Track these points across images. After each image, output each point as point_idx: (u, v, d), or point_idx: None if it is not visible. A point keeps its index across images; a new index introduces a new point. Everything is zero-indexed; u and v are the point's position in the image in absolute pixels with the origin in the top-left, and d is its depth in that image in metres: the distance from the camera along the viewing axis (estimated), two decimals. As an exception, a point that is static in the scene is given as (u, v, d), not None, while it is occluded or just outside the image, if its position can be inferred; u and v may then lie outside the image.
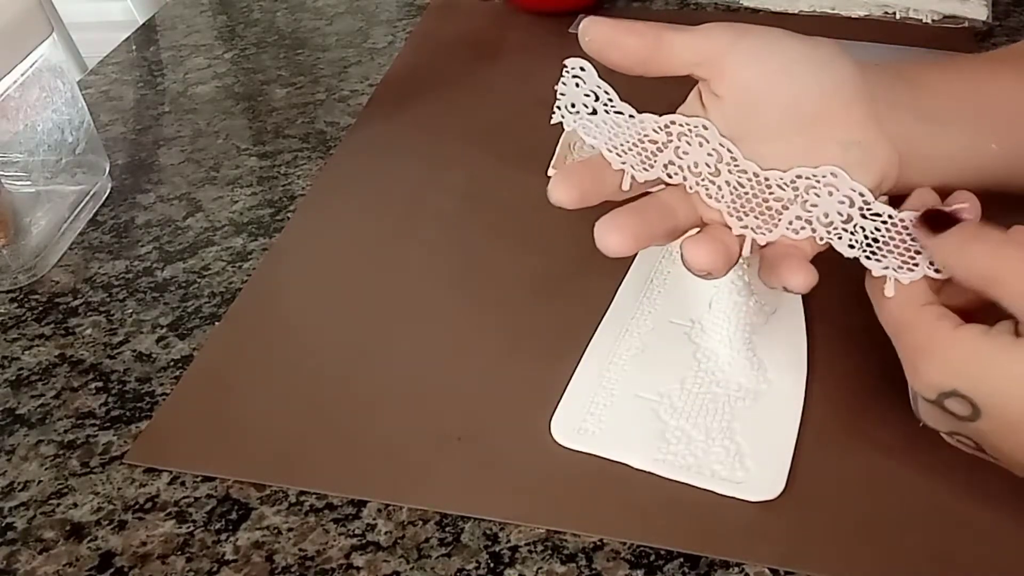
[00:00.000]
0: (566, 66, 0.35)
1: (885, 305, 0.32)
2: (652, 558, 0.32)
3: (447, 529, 0.34)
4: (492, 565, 0.33)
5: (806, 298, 0.42)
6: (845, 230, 0.33)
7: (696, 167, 0.34)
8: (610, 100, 0.34)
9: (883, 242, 0.33)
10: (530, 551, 0.33)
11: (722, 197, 0.34)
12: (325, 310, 0.44)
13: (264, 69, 0.66)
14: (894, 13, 0.66)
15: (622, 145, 0.34)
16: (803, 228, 0.33)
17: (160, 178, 0.55)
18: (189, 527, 0.35)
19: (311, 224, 0.50)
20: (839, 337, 0.40)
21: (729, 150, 0.34)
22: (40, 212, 0.50)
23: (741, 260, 0.36)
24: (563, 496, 0.35)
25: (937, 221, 0.31)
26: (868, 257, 0.33)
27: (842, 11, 0.66)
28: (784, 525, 0.33)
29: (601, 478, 0.35)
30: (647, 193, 0.35)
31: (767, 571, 0.32)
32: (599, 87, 0.34)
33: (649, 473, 0.35)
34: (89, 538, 0.35)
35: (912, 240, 0.32)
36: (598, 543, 0.33)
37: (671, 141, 0.34)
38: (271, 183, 0.54)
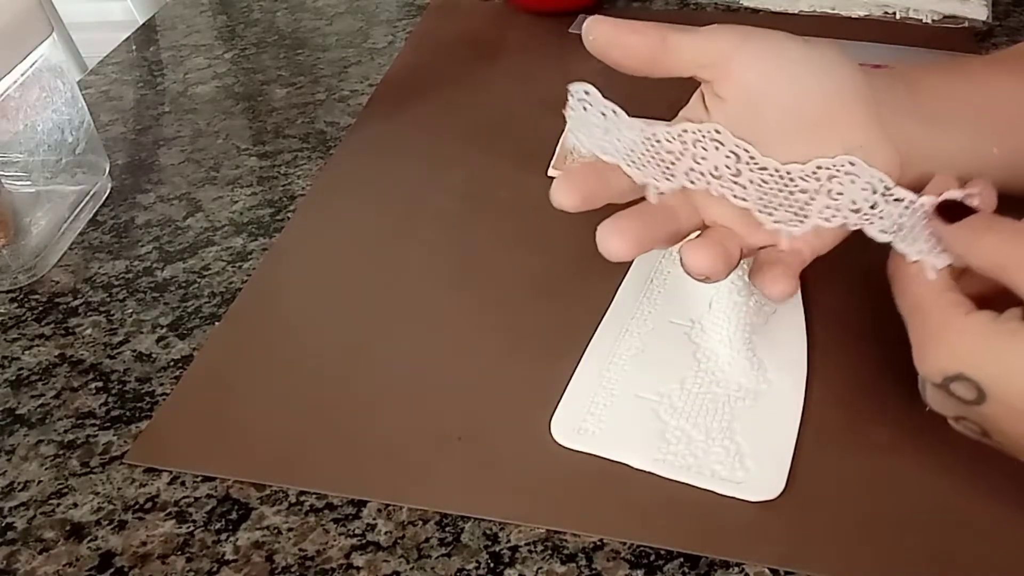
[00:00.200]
0: (570, 91, 0.34)
1: (905, 288, 0.32)
2: (652, 558, 0.32)
3: (447, 529, 0.34)
4: (492, 565, 0.33)
5: (806, 298, 0.42)
6: (875, 215, 0.33)
7: (717, 171, 0.34)
8: (619, 119, 0.34)
9: (910, 227, 0.33)
10: (530, 551, 0.33)
11: (748, 196, 0.33)
12: (325, 310, 0.44)
13: (264, 69, 0.66)
14: (894, 13, 0.66)
15: (640, 159, 0.34)
16: (834, 216, 0.33)
17: (160, 178, 0.55)
18: (189, 527, 0.35)
19: (311, 224, 0.50)
20: (839, 337, 0.40)
21: (746, 150, 0.34)
22: (40, 212, 0.50)
23: (744, 263, 0.36)
24: (563, 496, 0.35)
25: (952, 210, 0.32)
26: (902, 241, 0.33)
27: (842, 11, 0.66)
28: (784, 525, 0.33)
29: (601, 478, 0.35)
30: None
31: (767, 571, 0.32)
32: (606, 107, 0.34)
33: (649, 473, 0.35)
34: (89, 538, 0.35)
35: None
36: (598, 543, 0.33)
37: (687, 149, 0.34)
38: (271, 183, 0.54)
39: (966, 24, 0.64)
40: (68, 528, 0.35)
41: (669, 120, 0.36)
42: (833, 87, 0.34)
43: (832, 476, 0.34)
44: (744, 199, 0.34)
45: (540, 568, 0.32)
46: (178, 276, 0.47)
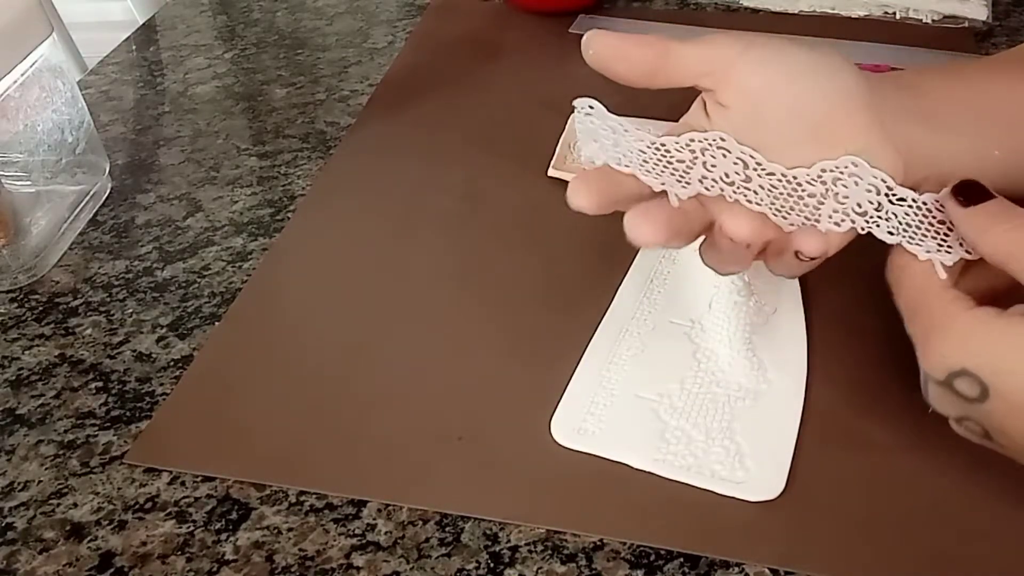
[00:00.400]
0: (576, 107, 0.34)
1: (903, 288, 0.32)
2: (652, 558, 0.32)
3: (447, 529, 0.34)
4: (492, 565, 0.33)
5: (806, 298, 0.42)
6: (881, 217, 0.33)
7: (728, 177, 0.34)
8: (626, 131, 0.34)
9: (915, 226, 0.33)
10: (530, 551, 0.33)
11: (761, 201, 0.34)
12: (325, 310, 0.44)
13: (264, 69, 0.66)
14: (894, 13, 0.66)
15: (654, 168, 0.34)
16: (843, 220, 0.33)
17: (160, 178, 0.55)
18: (189, 527, 0.35)
19: (311, 224, 0.50)
20: (839, 337, 0.40)
21: (752, 155, 0.34)
22: (40, 212, 0.50)
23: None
24: (563, 496, 0.35)
25: (970, 192, 0.32)
26: (909, 242, 0.33)
27: (842, 11, 0.66)
28: (784, 525, 0.33)
29: (601, 478, 0.35)
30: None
31: (767, 571, 0.32)
32: (612, 120, 0.34)
33: (649, 473, 0.35)
34: (89, 538, 0.35)
35: (940, 223, 0.32)
36: (598, 543, 0.33)
37: (697, 157, 0.34)
38: (271, 183, 0.54)
39: (966, 24, 0.64)
40: (68, 528, 0.35)
41: (670, 122, 0.36)
42: (835, 92, 0.34)
43: (832, 476, 0.34)
44: (758, 203, 0.34)
45: (540, 568, 0.32)
46: (178, 276, 0.47)
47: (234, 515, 0.35)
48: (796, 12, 0.67)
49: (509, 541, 0.33)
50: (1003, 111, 0.37)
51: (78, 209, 0.51)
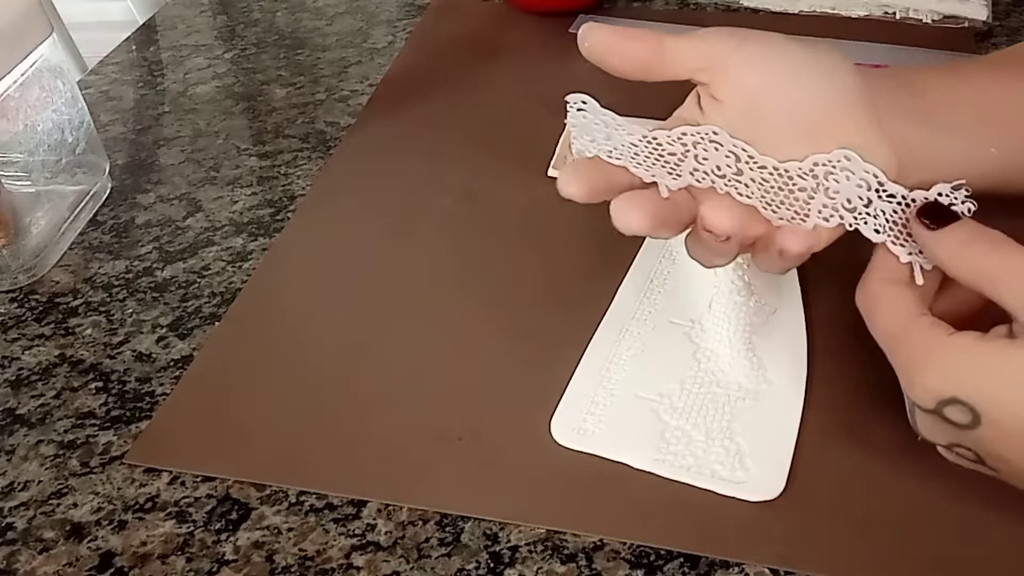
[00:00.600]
0: (568, 102, 0.34)
1: (878, 319, 0.32)
2: (652, 558, 0.32)
3: (447, 529, 0.34)
4: (492, 565, 0.33)
5: (806, 298, 0.42)
6: (868, 214, 0.33)
7: (719, 170, 0.34)
8: (619, 126, 0.34)
9: (901, 226, 0.33)
10: (530, 551, 0.33)
11: (752, 193, 0.34)
12: (325, 310, 0.44)
13: (264, 69, 0.66)
14: (894, 13, 0.66)
15: (645, 160, 0.34)
16: (832, 216, 0.33)
17: (160, 178, 0.55)
18: (189, 527, 0.35)
19: (311, 224, 0.50)
20: (839, 337, 0.40)
21: (744, 149, 0.34)
22: (40, 212, 0.50)
23: (740, 260, 0.36)
24: (563, 496, 0.35)
25: (935, 215, 0.31)
26: (894, 242, 0.33)
27: (842, 11, 0.66)
28: (784, 525, 0.33)
29: (601, 478, 0.35)
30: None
31: (767, 571, 0.32)
32: (604, 115, 0.34)
33: (649, 473, 0.35)
34: (89, 538, 0.35)
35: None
36: (598, 543, 0.33)
37: (688, 151, 0.34)
38: (271, 183, 0.54)
39: (966, 24, 0.64)
40: (68, 528, 0.35)
41: (666, 119, 0.36)
42: (831, 89, 0.34)
43: (832, 476, 0.34)
44: (749, 196, 0.34)
45: (540, 568, 0.32)
46: (178, 276, 0.47)
47: (234, 515, 0.35)
48: (796, 12, 0.67)
49: (509, 541, 0.33)
50: (1001, 110, 0.37)
51: (78, 209, 0.51)
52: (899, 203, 0.33)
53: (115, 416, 0.40)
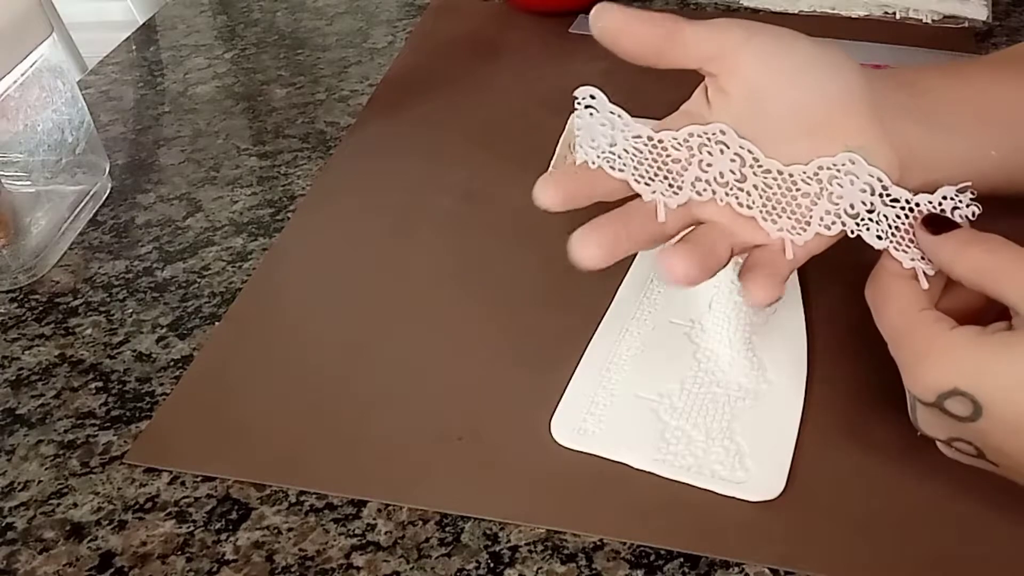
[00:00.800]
0: (577, 97, 0.34)
1: (884, 313, 0.32)
2: (652, 558, 0.32)
3: (447, 529, 0.34)
4: (492, 565, 0.33)
5: (806, 298, 0.42)
6: (871, 220, 0.33)
7: (722, 177, 0.34)
8: (625, 125, 0.34)
9: (903, 231, 0.33)
10: (530, 551, 0.33)
11: (753, 203, 0.34)
12: (325, 310, 0.44)
13: (264, 69, 0.66)
14: (894, 13, 0.66)
15: (647, 172, 0.34)
16: (834, 223, 0.33)
17: (160, 178, 0.55)
18: (189, 527, 0.35)
19: (311, 224, 0.50)
20: (839, 337, 0.40)
21: (750, 151, 0.34)
22: (40, 212, 0.50)
23: (740, 259, 0.36)
24: (563, 496, 0.35)
25: (937, 223, 0.32)
26: (896, 248, 0.33)
27: (842, 11, 0.66)
28: (784, 525, 0.33)
29: (601, 478, 0.35)
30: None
31: (767, 571, 0.32)
32: (612, 112, 0.34)
33: (649, 473, 0.35)
34: (89, 538, 0.35)
35: None
36: (598, 543, 0.33)
37: (693, 155, 0.34)
38: (271, 183, 0.54)
39: (966, 24, 0.64)
40: (68, 528, 0.35)
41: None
42: (837, 89, 0.34)
43: (832, 476, 0.34)
44: (748, 207, 0.34)
45: (540, 568, 0.32)
46: (178, 276, 0.47)
47: (234, 515, 0.35)
48: (796, 12, 0.67)
49: (509, 541, 0.33)
50: (1002, 112, 0.37)
51: (78, 209, 0.51)
52: (902, 208, 0.33)
53: (115, 416, 0.40)
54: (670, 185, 0.34)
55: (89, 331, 0.44)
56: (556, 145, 0.52)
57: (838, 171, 0.33)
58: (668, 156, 0.34)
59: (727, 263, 0.34)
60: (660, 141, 0.34)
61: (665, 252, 0.32)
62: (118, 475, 0.37)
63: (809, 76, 0.34)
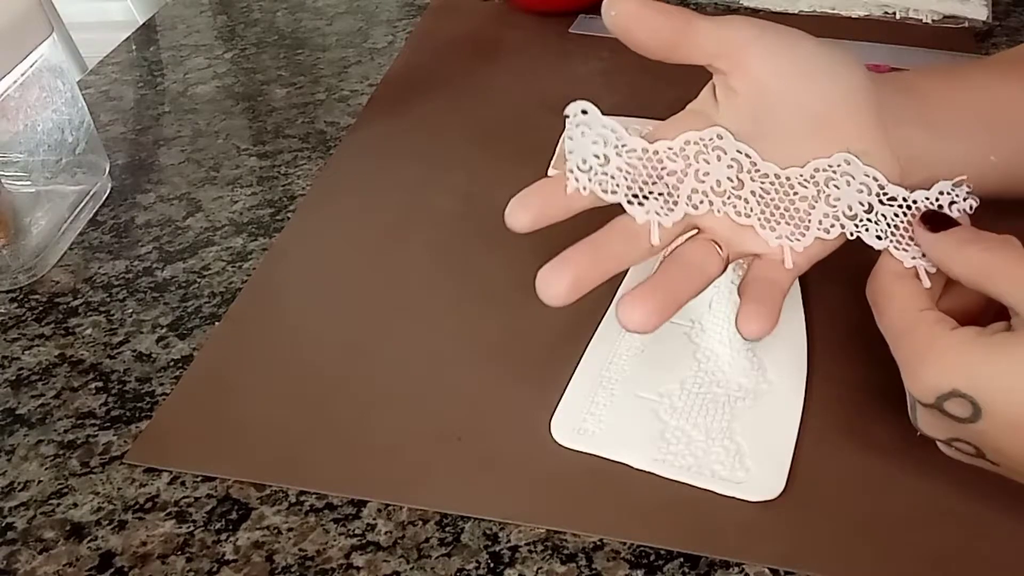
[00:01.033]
0: (568, 115, 0.34)
1: (885, 312, 0.32)
2: (652, 558, 0.32)
3: (447, 529, 0.34)
4: (492, 565, 0.33)
5: (806, 298, 0.42)
6: (870, 220, 0.33)
7: (719, 185, 0.34)
8: (619, 140, 0.34)
9: (903, 230, 0.33)
10: (530, 551, 0.33)
11: (751, 211, 0.33)
12: (325, 310, 0.44)
13: (264, 69, 0.66)
14: (894, 13, 0.66)
15: (642, 190, 0.34)
16: (832, 226, 0.33)
17: (160, 178, 0.55)
18: (189, 527, 0.35)
19: (311, 224, 0.50)
20: (839, 337, 0.40)
21: (747, 155, 0.34)
22: (40, 212, 0.50)
23: (741, 260, 0.36)
24: (563, 496, 0.35)
25: (936, 221, 0.32)
26: (896, 247, 0.33)
27: (842, 11, 0.66)
28: (784, 525, 0.33)
29: (601, 478, 0.35)
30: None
31: (767, 571, 0.32)
32: (605, 127, 0.34)
33: (649, 473, 0.35)
34: (89, 538, 0.35)
35: None
36: (598, 543, 0.33)
37: (690, 165, 0.34)
38: (271, 183, 0.54)
39: (966, 24, 0.64)
40: (68, 528, 0.35)
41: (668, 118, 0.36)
42: (843, 91, 0.34)
43: (832, 476, 0.34)
44: (747, 215, 0.33)
45: (540, 568, 0.32)
46: (178, 276, 0.47)
47: (234, 515, 0.35)
48: (796, 12, 0.68)
49: (509, 541, 0.33)
50: (1002, 116, 0.37)
51: (78, 209, 0.51)
52: (900, 206, 0.33)
53: (115, 416, 0.40)
54: (665, 201, 0.34)
55: (89, 331, 0.44)
56: (556, 145, 0.52)
57: (834, 172, 0.33)
58: (664, 168, 0.34)
59: (719, 275, 0.34)
60: (656, 152, 0.34)
61: (622, 300, 0.32)
62: (118, 475, 0.37)
63: (817, 77, 0.34)
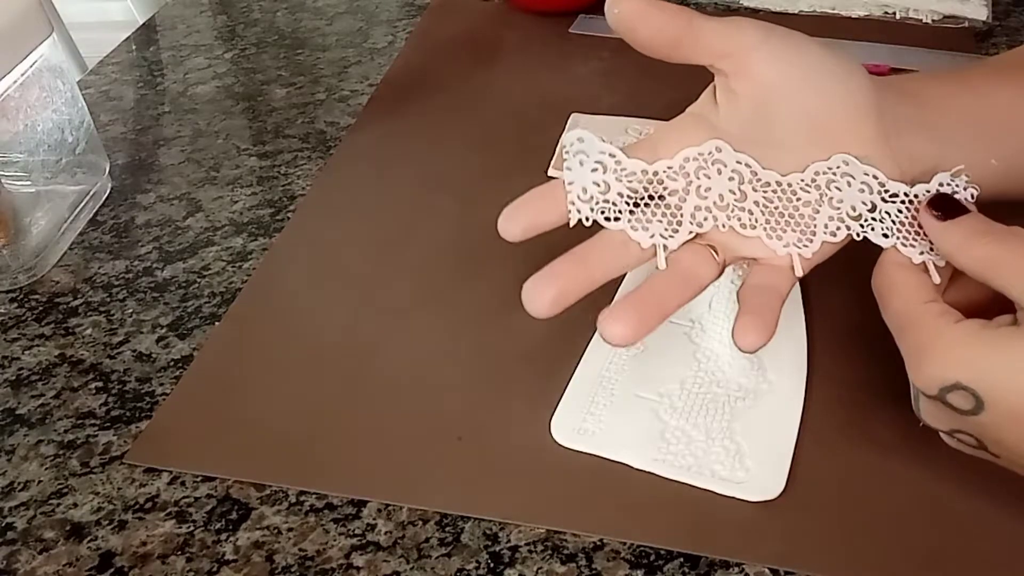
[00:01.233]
0: (565, 146, 0.34)
1: (890, 304, 0.32)
2: (652, 558, 0.32)
3: (447, 529, 0.34)
4: (492, 565, 0.33)
5: (806, 298, 0.42)
6: (875, 219, 0.33)
7: (722, 200, 0.33)
8: (618, 165, 0.34)
9: (908, 226, 0.33)
10: (530, 551, 0.33)
11: (756, 222, 0.33)
12: (325, 310, 0.44)
13: (264, 69, 0.66)
14: (894, 13, 0.66)
15: (643, 215, 0.34)
16: (839, 229, 0.33)
17: (160, 178, 0.55)
18: (189, 527, 0.35)
19: (311, 224, 0.50)
20: (839, 337, 0.40)
21: (747, 165, 0.34)
22: (40, 212, 0.50)
23: (743, 262, 0.36)
24: (563, 496, 0.35)
25: (944, 206, 0.32)
26: (903, 244, 0.33)
27: (842, 11, 0.66)
28: (784, 525, 0.33)
29: (601, 478, 0.35)
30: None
31: (767, 571, 0.32)
32: (603, 152, 0.34)
33: (649, 473, 0.35)
34: (89, 538, 0.35)
35: None
36: (598, 543, 0.33)
37: (691, 182, 0.34)
38: (271, 183, 0.54)
39: (966, 24, 0.64)
40: (68, 528, 0.35)
41: (667, 120, 0.36)
42: (846, 96, 0.34)
43: (832, 476, 0.34)
44: (752, 226, 0.33)
45: (540, 568, 0.32)
46: (178, 276, 0.47)
47: (234, 515, 0.35)
48: (796, 12, 0.68)
49: (509, 541, 0.33)
50: (1003, 120, 0.37)
51: (78, 209, 0.51)
52: (903, 201, 0.33)
53: (115, 416, 0.40)
54: (669, 222, 0.34)
55: (89, 331, 0.44)
56: (556, 145, 0.52)
57: (834, 174, 0.33)
58: (665, 188, 0.34)
59: (713, 281, 0.34)
60: (656, 173, 0.34)
61: (602, 314, 0.32)
62: (118, 475, 0.37)
63: (821, 82, 0.34)
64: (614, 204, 0.34)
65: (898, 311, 0.32)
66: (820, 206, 0.33)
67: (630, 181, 0.34)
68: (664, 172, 0.34)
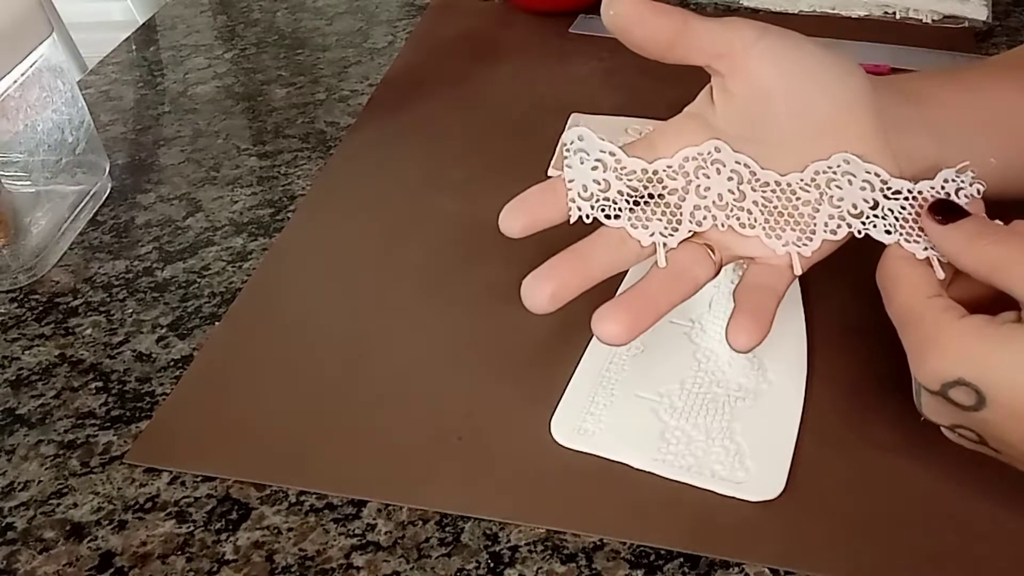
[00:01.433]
0: (564, 143, 0.34)
1: (894, 298, 0.32)
2: (652, 558, 0.32)
3: (447, 529, 0.34)
4: (492, 565, 0.33)
5: (806, 298, 0.42)
6: (877, 216, 0.33)
7: (721, 199, 0.33)
8: (618, 163, 0.34)
9: (911, 222, 0.33)
10: (530, 551, 0.33)
11: (755, 222, 0.33)
12: (325, 310, 0.44)
13: (264, 69, 0.66)
14: (894, 13, 0.66)
15: (643, 214, 0.34)
16: (839, 227, 0.33)
17: (160, 178, 0.55)
18: (189, 527, 0.35)
19: (311, 224, 0.50)
20: (839, 337, 0.40)
21: (746, 165, 0.33)
22: (40, 212, 0.50)
23: (741, 261, 0.36)
24: (563, 496, 0.35)
25: (945, 211, 0.32)
26: (906, 240, 0.33)
27: (842, 11, 0.66)
28: (784, 525, 0.33)
29: (601, 478, 0.35)
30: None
31: (767, 571, 0.32)
32: (603, 151, 0.34)
33: (649, 473, 0.35)
34: (89, 538, 0.35)
35: None
36: (598, 543, 0.33)
37: (690, 182, 0.34)
38: (271, 183, 0.54)
39: (966, 24, 0.64)
40: (68, 528, 0.35)
41: (666, 120, 0.36)
42: (844, 95, 0.34)
43: (832, 476, 0.34)
44: (752, 226, 0.33)
45: (540, 568, 0.32)
46: (178, 276, 0.47)
47: (234, 515, 0.35)
48: (796, 12, 0.68)
49: (509, 541, 0.33)
50: (1002, 119, 0.37)
51: (78, 209, 0.51)
52: (905, 198, 0.33)
53: (115, 416, 0.40)
54: (669, 221, 0.34)
55: (89, 331, 0.44)
56: (556, 145, 0.52)
57: (835, 173, 0.33)
58: (665, 187, 0.34)
59: (710, 280, 0.34)
60: (655, 172, 0.34)
61: (596, 313, 0.32)
62: (118, 475, 0.37)
63: (817, 82, 0.34)
64: (614, 202, 0.34)
65: (902, 305, 0.32)
66: (820, 205, 0.33)
67: (630, 179, 0.34)
68: (664, 171, 0.34)
